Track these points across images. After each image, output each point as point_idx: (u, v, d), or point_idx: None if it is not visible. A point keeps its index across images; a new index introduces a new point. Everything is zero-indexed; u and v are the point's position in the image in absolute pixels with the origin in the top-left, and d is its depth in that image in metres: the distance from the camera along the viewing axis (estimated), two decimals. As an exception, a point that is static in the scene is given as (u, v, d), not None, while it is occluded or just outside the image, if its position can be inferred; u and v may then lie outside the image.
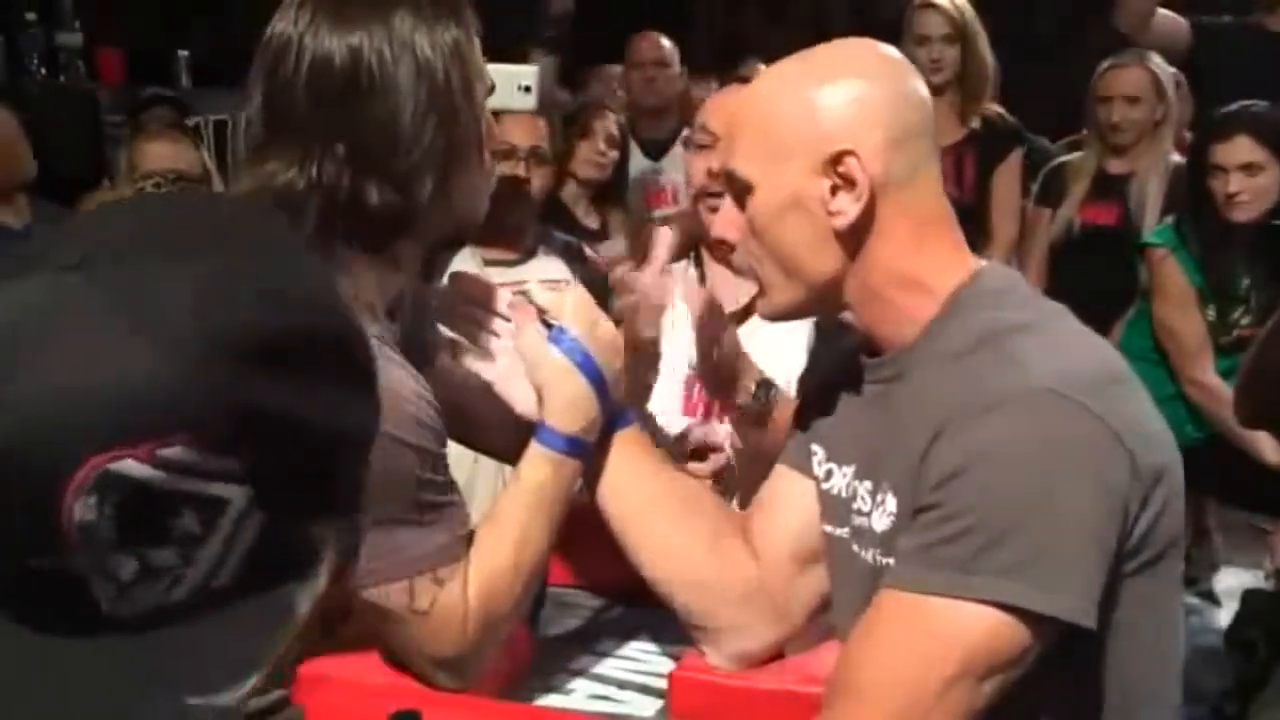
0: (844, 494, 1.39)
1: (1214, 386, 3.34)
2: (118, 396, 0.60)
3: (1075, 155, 4.02)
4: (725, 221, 1.38)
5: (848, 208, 1.28)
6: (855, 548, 1.35)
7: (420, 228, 1.41)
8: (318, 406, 0.65)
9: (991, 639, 1.15)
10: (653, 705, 1.51)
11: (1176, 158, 3.81)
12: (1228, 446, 3.21)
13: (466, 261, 2.55)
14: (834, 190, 1.28)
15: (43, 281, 0.62)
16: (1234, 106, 3.40)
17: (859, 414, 1.39)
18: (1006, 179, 3.96)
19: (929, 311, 1.30)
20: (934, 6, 3.90)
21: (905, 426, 1.26)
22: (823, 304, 1.37)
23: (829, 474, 1.42)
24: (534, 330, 1.45)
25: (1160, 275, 3.45)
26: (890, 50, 1.36)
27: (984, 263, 1.36)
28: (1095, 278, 3.61)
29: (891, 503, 1.28)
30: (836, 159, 1.27)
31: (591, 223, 3.89)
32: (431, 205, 1.38)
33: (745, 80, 2.45)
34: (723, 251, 1.72)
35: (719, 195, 2.15)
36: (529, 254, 2.74)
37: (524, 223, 2.75)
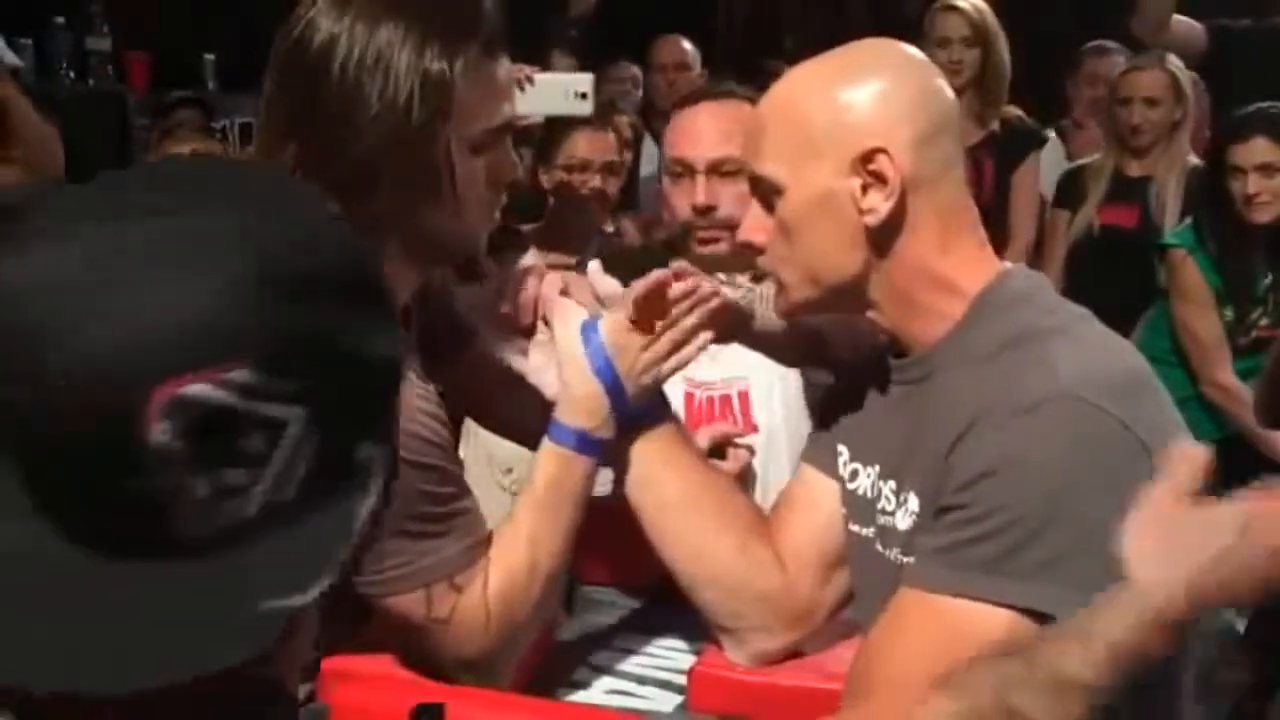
0: (869, 494, 1.39)
1: (1232, 387, 3.34)
2: (181, 329, 0.65)
3: (1093, 158, 4.02)
4: (753, 225, 1.38)
5: (879, 205, 1.28)
6: (879, 547, 1.36)
7: (381, 245, 1.31)
8: (354, 334, 0.70)
9: (1010, 640, 1.16)
10: (672, 701, 1.51)
11: (1194, 159, 3.82)
12: (1245, 447, 3.22)
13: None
14: (865, 188, 1.28)
15: (94, 232, 0.67)
16: (1251, 108, 3.40)
17: (884, 414, 1.39)
18: (1025, 181, 3.97)
19: (956, 312, 1.30)
20: (955, 9, 3.91)
21: (931, 427, 1.27)
22: (842, 303, 1.38)
23: (854, 474, 1.43)
24: (568, 328, 1.44)
25: (1179, 276, 3.44)
26: (912, 49, 1.37)
27: (1008, 264, 1.36)
28: (1114, 280, 3.60)
29: (914, 502, 1.29)
30: (867, 156, 1.27)
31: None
32: (385, 226, 1.29)
33: (701, 99, 2.27)
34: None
35: (708, 228, 2.08)
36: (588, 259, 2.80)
37: (585, 230, 2.81)
